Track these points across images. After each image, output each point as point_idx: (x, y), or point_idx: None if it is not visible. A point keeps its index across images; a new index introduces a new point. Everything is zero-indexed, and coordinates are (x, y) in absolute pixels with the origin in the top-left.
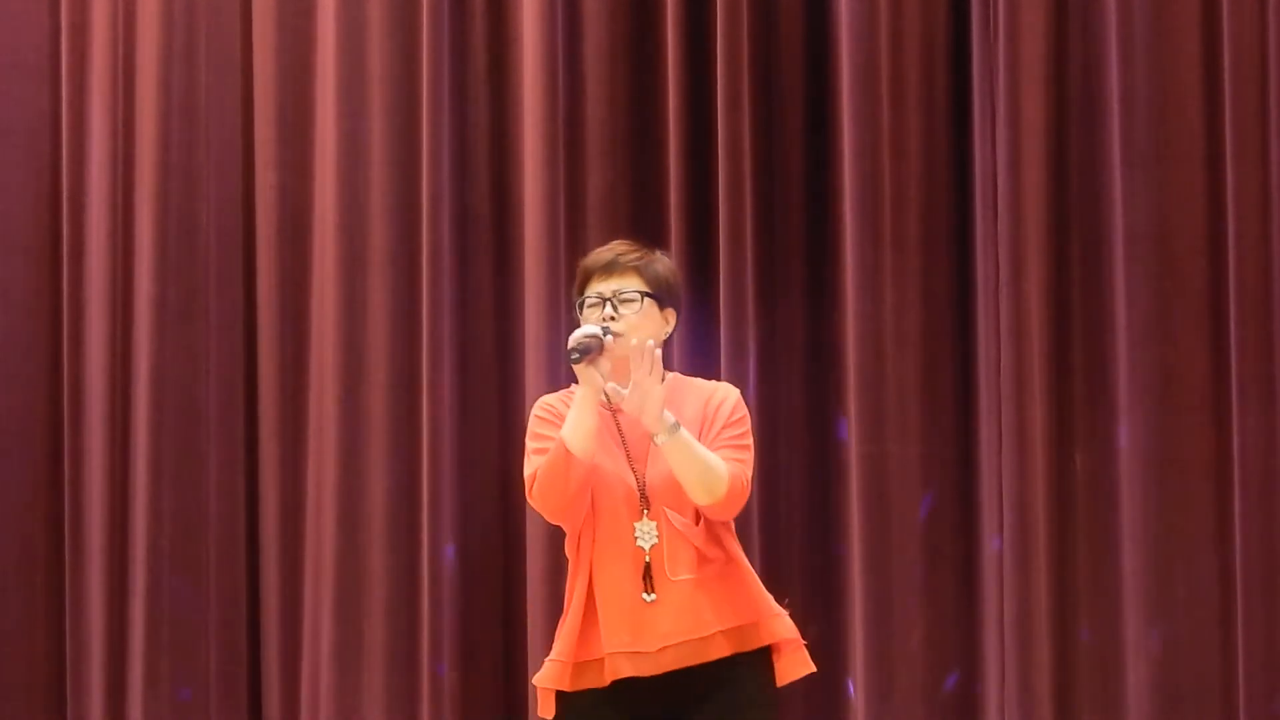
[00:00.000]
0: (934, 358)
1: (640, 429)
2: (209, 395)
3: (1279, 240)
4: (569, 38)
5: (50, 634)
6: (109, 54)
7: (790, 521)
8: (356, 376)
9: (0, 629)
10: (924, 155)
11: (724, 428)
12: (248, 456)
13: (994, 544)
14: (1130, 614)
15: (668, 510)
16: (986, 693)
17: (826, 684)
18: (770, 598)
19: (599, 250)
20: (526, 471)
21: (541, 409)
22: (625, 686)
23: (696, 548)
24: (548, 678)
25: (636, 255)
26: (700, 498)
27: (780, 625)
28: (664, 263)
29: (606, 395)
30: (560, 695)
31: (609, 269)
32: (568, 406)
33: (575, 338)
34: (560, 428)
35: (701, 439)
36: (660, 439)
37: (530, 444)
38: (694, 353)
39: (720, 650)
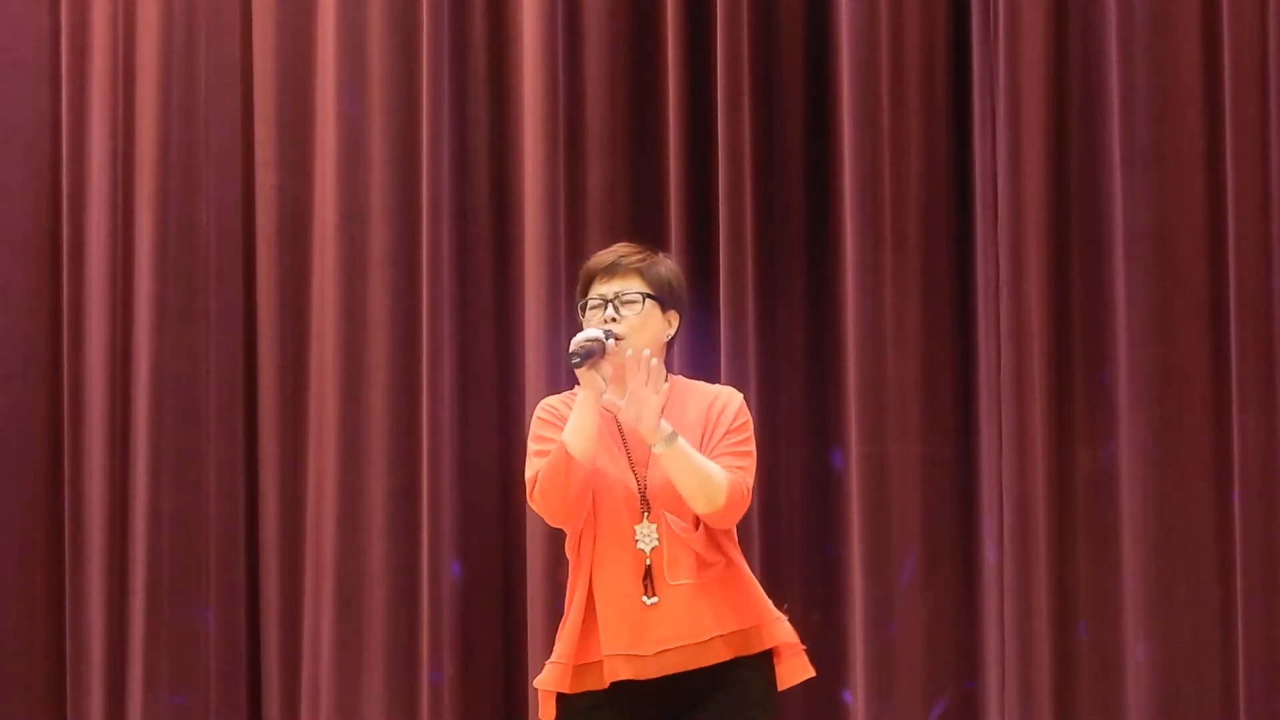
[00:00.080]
0: (934, 358)
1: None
2: (209, 395)
3: (1279, 240)
4: (569, 37)
5: (50, 634)
6: (109, 54)
7: (790, 522)
8: (356, 376)
9: (0, 629)
10: (924, 155)
11: (726, 434)
12: (248, 456)
13: (991, 555)
14: (1130, 614)
15: (668, 514)
16: (986, 693)
17: (826, 685)
18: (770, 602)
19: (602, 252)
20: (527, 474)
21: (544, 411)
22: (625, 689)
23: (696, 552)
24: (548, 680)
25: (639, 257)
26: (699, 506)
27: (780, 629)
28: (667, 265)
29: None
30: (560, 697)
31: (611, 271)
32: (570, 408)
33: (577, 341)
34: (562, 430)
35: (703, 444)
36: (658, 449)
37: (532, 446)
38: (694, 353)
39: (719, 654)
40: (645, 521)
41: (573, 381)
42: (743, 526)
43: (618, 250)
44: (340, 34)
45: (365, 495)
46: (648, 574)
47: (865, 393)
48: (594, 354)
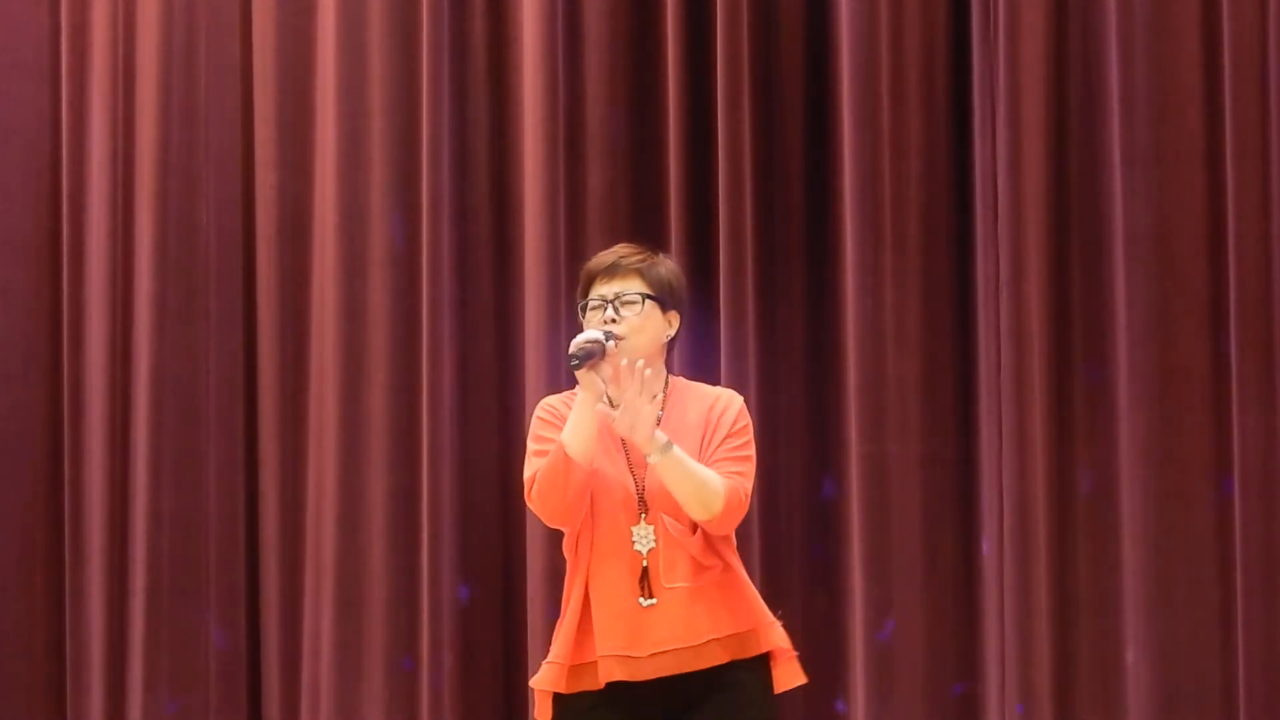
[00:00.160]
0: (934, 358)
1: None
2: (209, 395)
3: (1279, 240)
4: (569, 37)
5: (50, 634)
6: (109, 54)
7: (790, 522)
8: (356, 376)
9: (0, 629)
10: (924, 155)
11: (726, 438)
12: (248, 456)
13: (991, 555)
14: (1130, 614)
15: (665, 517)
16: (987, 693)
17: (827, 685)
18: (765, 607)
19: (602, 253)
20: (526, 473)
21: (544, 410)
22: (622, 690)
23: (692, 556)
24: (544, 680)
25: (639, 258)
26: (696, 514)
27: (776, 634)
28: (667, 265)
29: (609, 399)
30: (557, 697)
31: (611, 271)
32: (570, 408)
33: (576, 343)
34: (562, 430)
35: (703, 446)
36: (653, 459)
37: (531, 445)
38: (694, 353)
39: (715, 658)
40: (643, 523)
41: (574, 381)
42: (742, 527)
43: (618, 251)
44: (340, 34)
45: (365, 495)
46: (644, 576)
47: (865, 393)
48: (593, 355)
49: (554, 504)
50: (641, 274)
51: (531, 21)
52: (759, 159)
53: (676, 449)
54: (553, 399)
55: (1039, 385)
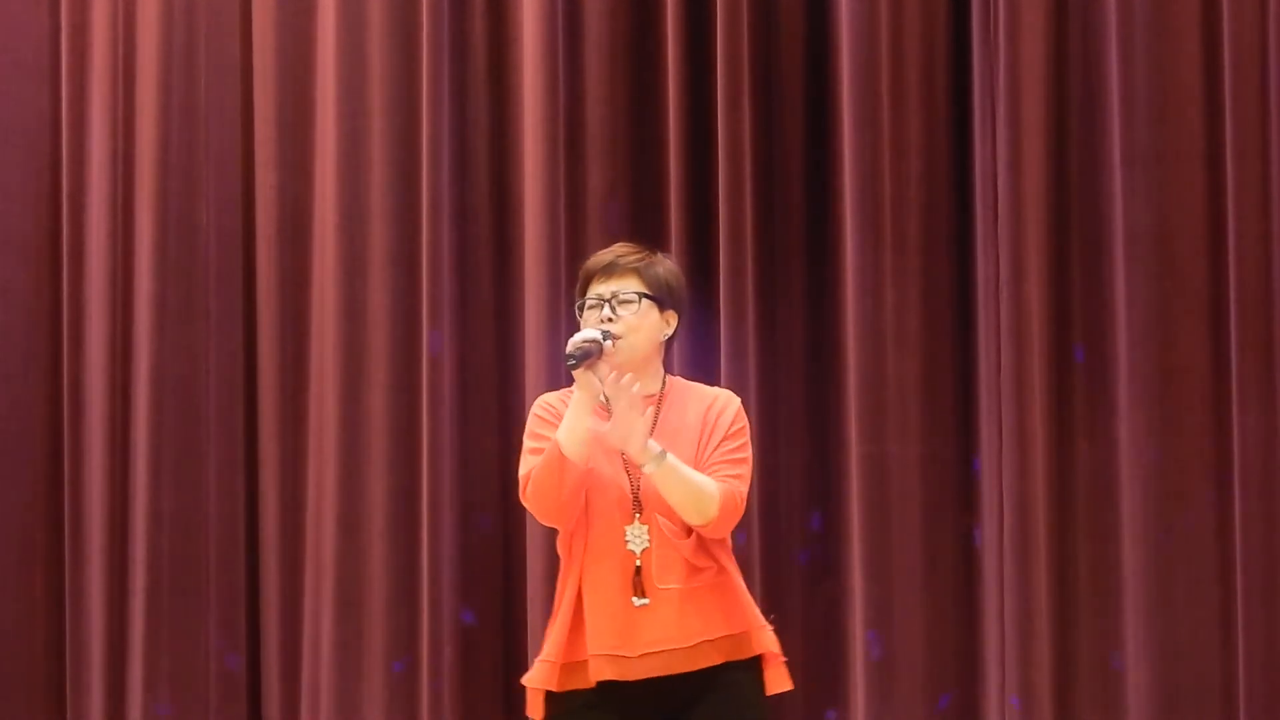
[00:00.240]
0: (934, 358)
1: None
2: (209, 395)
3: (1279, 240)
4: (569, 37)
5: (50, 634)
6: (109, 54)
7: (790, 521)
8: (356, 376)
9: (0, 629)
10: (924, 155)
11: (723, 440)
12: (248, 456)
13: (991, 555)
14: (1130, 614)
15: (659, 517)
16: (987, 693)
17: (827, 685)
18: (758, 610)
19: (600, 252)
20: (521, 471)
21: (541, 408)
22: (614, 689)
23: (685, 558)
24: (536, 678)
25: (637, 257)
26: (692, 519)
27: (767, 638)
28: (665, 265)
29: (605, 398)
30: (549, 695)
31: (609, 271)
32: (567, 406)
33: (573, 342)
34: (558, 428)
35: (699, 448)
36: (648, 469)
37: (527, 443)
38: (694, 353)
39: (707, 659)
40: (637, 523)
41: (573, 379)
42: (743, 527)
43: (616, 250)
44: (340, 34)
45: (365, 495)
46: (637, 576)
47: (865, 393)
48: (590, 355)
49: (548, 502)
50: (639, 273)
51: (531, 21)
52: (759, 159)
53: (670, 457)
54: (551, 396)
55: (1039, 385)
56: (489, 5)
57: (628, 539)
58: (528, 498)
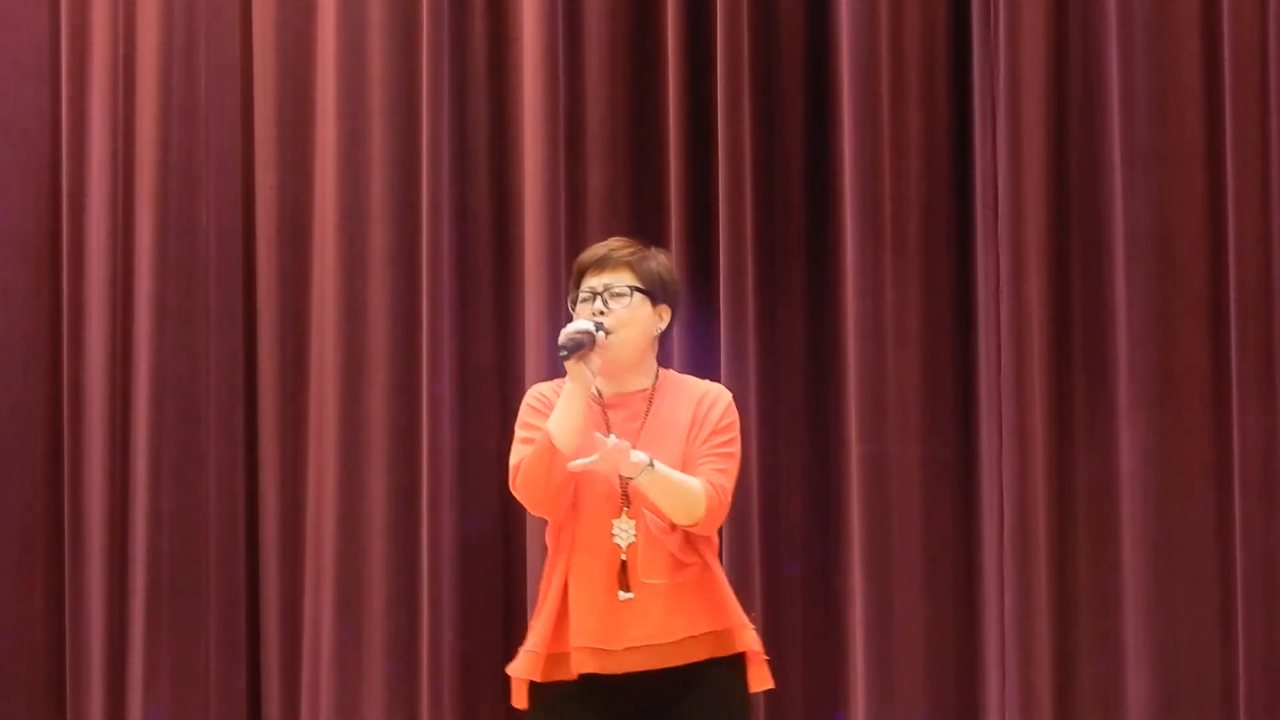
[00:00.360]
0: (934, 358)
1: (629, 426)
2: (209, 395)
3: (1279, 240)
4: (569, 37)
5: (50, 634)
6: (109, 54)
7: (790, 521)
8: (356, 376)
9: (0, 629)
10: (924, 155)
11: (711, 434)
12: (248, 456)
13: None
14: (1130, 614)
15: (646, 512)
16: (987, 693)
17: (827, 685)
18: (740, 609)
19: (594, 246)
20: (512, 460)
21: (533, 398)
22: (598, 681)
23: (671, 553)
24: (520, 668)
25: (630, 251)
26: (680, 520)
27: (750, 636)
28: (659, 259)
29: (598, 390)
30: (533, 686)
31: (601, 264)
32: (559, 396)
33: (565, 333)
34: (550, 418)
35: (689, 442)
36: (638, 480)
37: (519, 432)
38: (695, 353)
39: (690, 655)
40: (624, 517)
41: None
42: (743, 526)
43: (609, 244)
44: (340, 34)
45: (365, 495)
46: (623, 569)
47: (865, 393)
48: (582, 346)
49: (537, 493)
50: (631, 267)
51: (531, 21)
52: (759, 159)
53: (658, 466)
54: (543, 386)
55: (1039, 385)
56: (489, 5)
57: (614, 533)
58: (517, 488)
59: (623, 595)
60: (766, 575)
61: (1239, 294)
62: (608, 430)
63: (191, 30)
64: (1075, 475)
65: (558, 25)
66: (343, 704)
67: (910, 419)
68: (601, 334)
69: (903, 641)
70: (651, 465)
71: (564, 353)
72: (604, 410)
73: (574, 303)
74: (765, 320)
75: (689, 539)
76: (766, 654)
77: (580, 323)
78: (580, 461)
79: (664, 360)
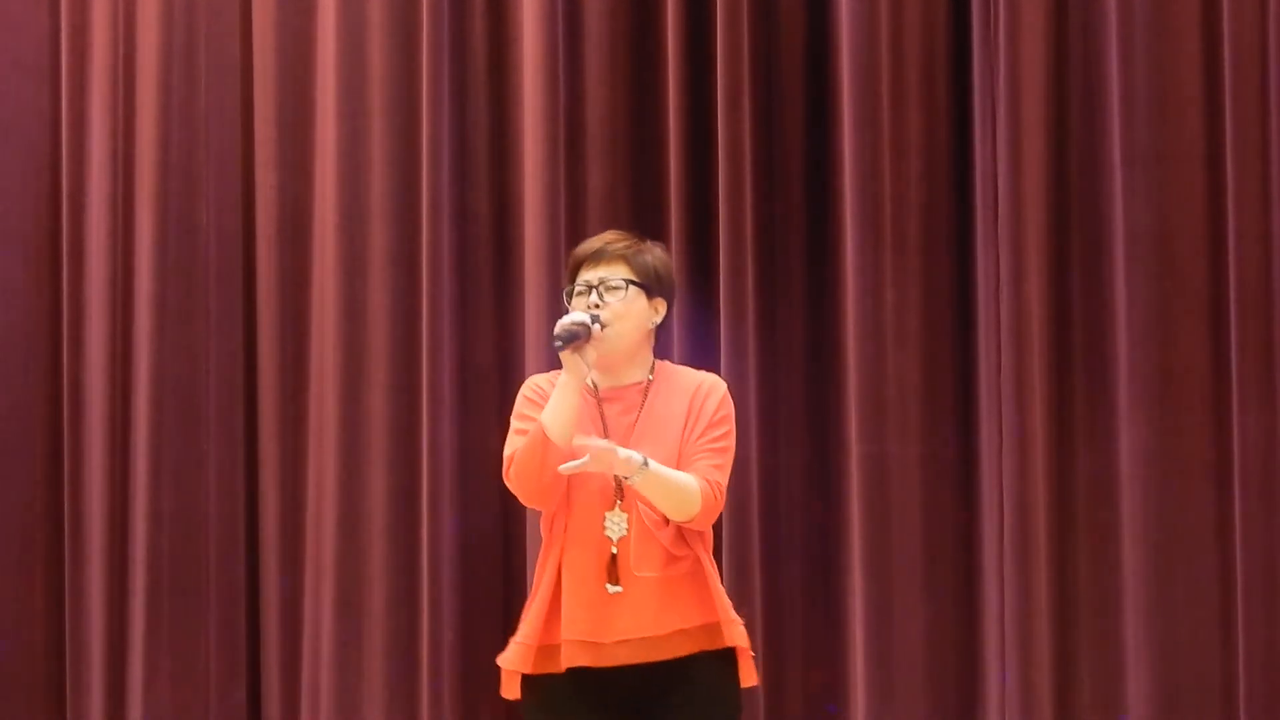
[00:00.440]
0: (934, 358)
1: (624, 419)
2: (209, 395)
3: (1279, 240)
4: (569, 37)
5: (50, 633)
6: (109, 54)
7: (790, 521)
8: (356, 376)
9: (0, 629)
10: (924, 155)
11: (707, 428)
12: (248, 456)
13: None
14: (1130, 614)
15: (640, 505)
16: (987, 693)
17: (827, 685)
18: (730, 605)
19: (590, 239)
20: (506, 451)
21: (529, 389)
22: (588, 675)
23: (664, 546)
24: (511, 660)
25: (625, 244)
26: (676, 517)
27: (738, 632)
28: (654, 253)
29: (594, 384)
30: (524, 678)
31: (597, 257)
32: (554, 387)
33: (561, 324)
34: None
35: (684, 436)
36: (632, 480)
37: (514, 424)
38: (695, 353)
39: (680, 649)
40: (617, 509)
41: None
42: (743, 525)
43: (605, 237)
44: (340, 34)
45: (365, 495)
46: (612, 562)
47: (865, 393)
48: (578, 337)
49: (530, 484)
50: (627, 260)
51: (531, 21)
52: (759, 159)
53: (652, 465)
54: (539, 377)
55: (1039, 385)
56: (489, 5)
57: (606, 525)
58: (510, 479)
59: (611, 588)
60: (766, 575)
61: (1239, 294)
62: (603, 424)
63: (191, 30)
64: (1075, 475)
65: (558, 25)
66: (343, 704)
67: (910, 419)
68: (597, 326)
69: (903, 641)
70: (646, 465)
71: (559, 343)
72: (599, 404)
73: (569, 296)
74: (765, 320)
75: (681, 532)
76: (767, 653)
77: (575, 314)
78: (571, 464)
79: (659, 353)
